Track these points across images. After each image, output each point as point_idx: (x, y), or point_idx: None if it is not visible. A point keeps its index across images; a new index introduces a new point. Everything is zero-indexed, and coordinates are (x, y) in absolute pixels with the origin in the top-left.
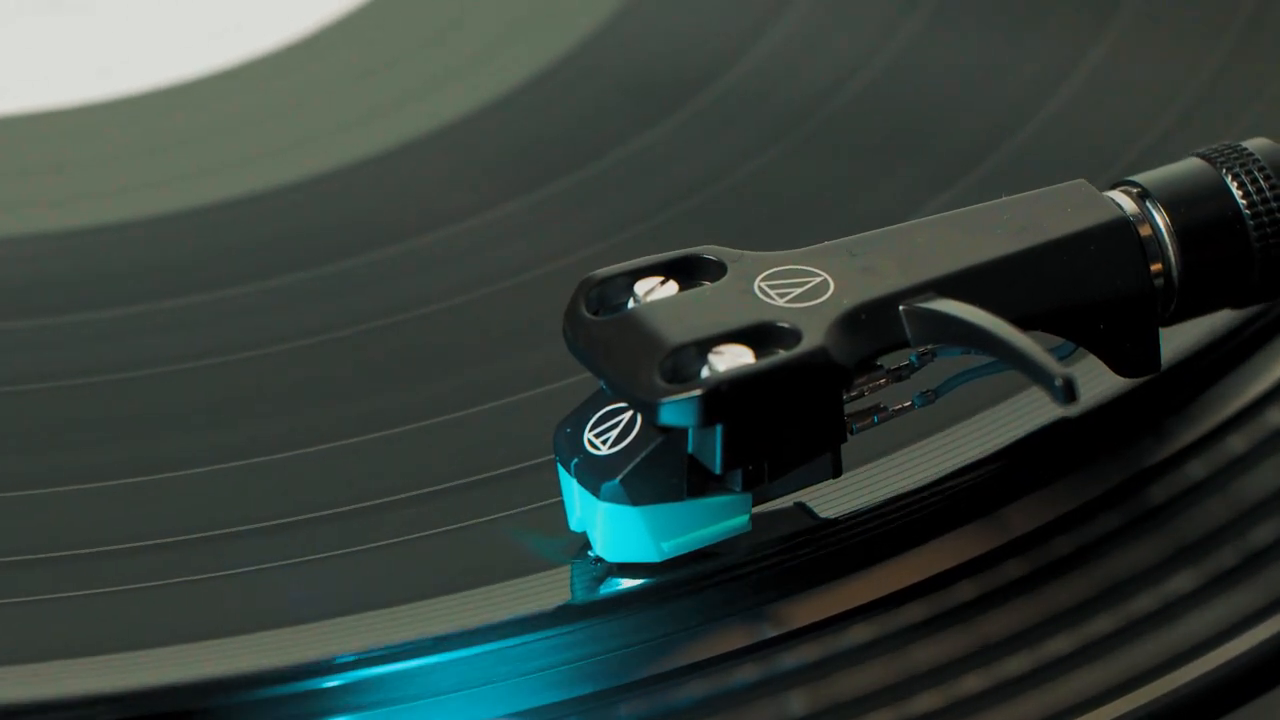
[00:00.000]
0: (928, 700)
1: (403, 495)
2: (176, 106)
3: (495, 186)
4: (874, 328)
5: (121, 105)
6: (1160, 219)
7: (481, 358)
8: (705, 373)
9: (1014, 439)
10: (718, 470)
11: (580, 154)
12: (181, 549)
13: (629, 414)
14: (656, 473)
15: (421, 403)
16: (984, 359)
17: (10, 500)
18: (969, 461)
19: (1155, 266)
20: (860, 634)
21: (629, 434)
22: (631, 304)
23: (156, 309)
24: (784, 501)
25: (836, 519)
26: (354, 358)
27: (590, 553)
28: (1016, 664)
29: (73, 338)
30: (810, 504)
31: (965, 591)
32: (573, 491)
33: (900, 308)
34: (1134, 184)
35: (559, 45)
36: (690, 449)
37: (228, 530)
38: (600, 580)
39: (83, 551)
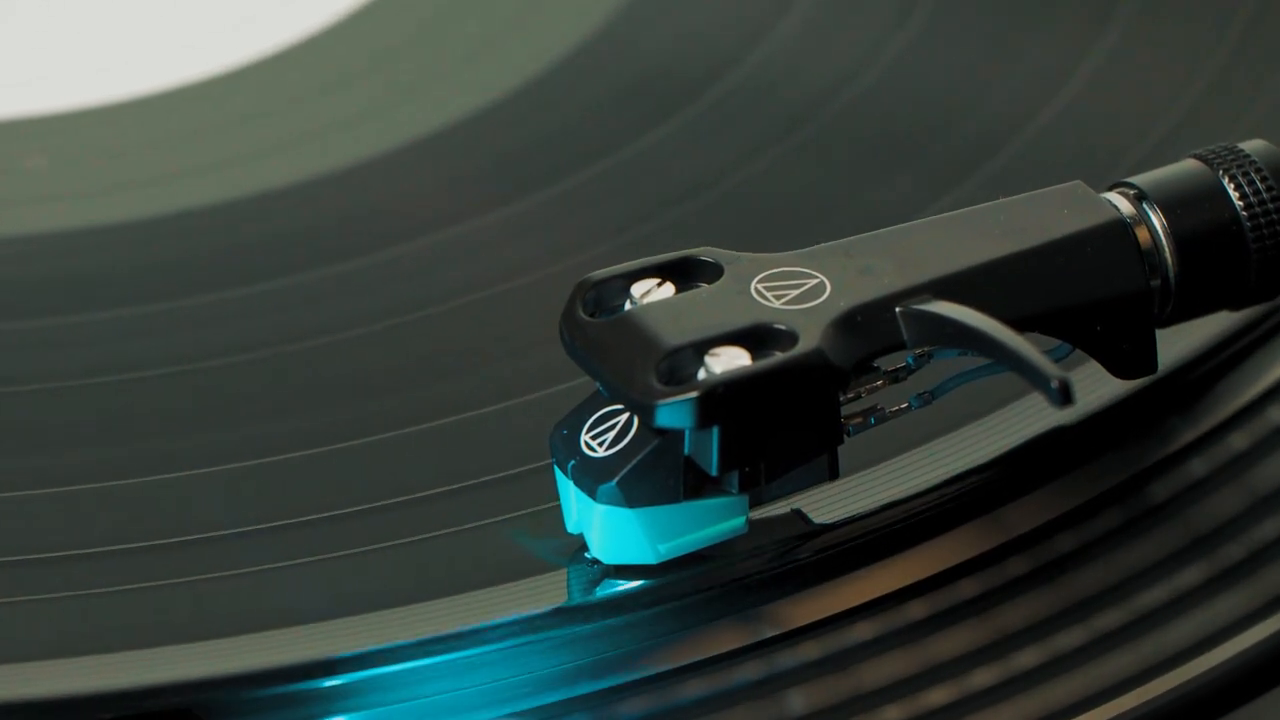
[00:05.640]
0: (930, 698)
1: (400, 498)
2: (173, 109)
3: (494, 189)
4: (870, 329)
5: (117, 108)
6: (1157, 221)
7: (479, 361)
8: (702, 374)
9: (1016, 440)
10: (714, 472)
11: (579, 156)
12: (181, 549)
13: (626, 416)
14: (653, 475)
15: (419, 405)
16: (981, 361)
17: (10, 500)
18: (969, 467)
19: (1151, 268)
20: (861, 633)
21: (626, 436)
22: (628, 306)
23: (154, 311)
24: (781, 505)
25: (835, 523)
26: (353, 361)
27: (587, 554)
28: (1015, 662)
29: (72, 339)
30: (809, 507)
31: (967, 589)
32: (569, 493)
33: (897, 309)
34: (1131, 185)
35: (558, 47)
36: (687, 451)
37: (227, 531)
38: (597, 582)
39: (81, 552)
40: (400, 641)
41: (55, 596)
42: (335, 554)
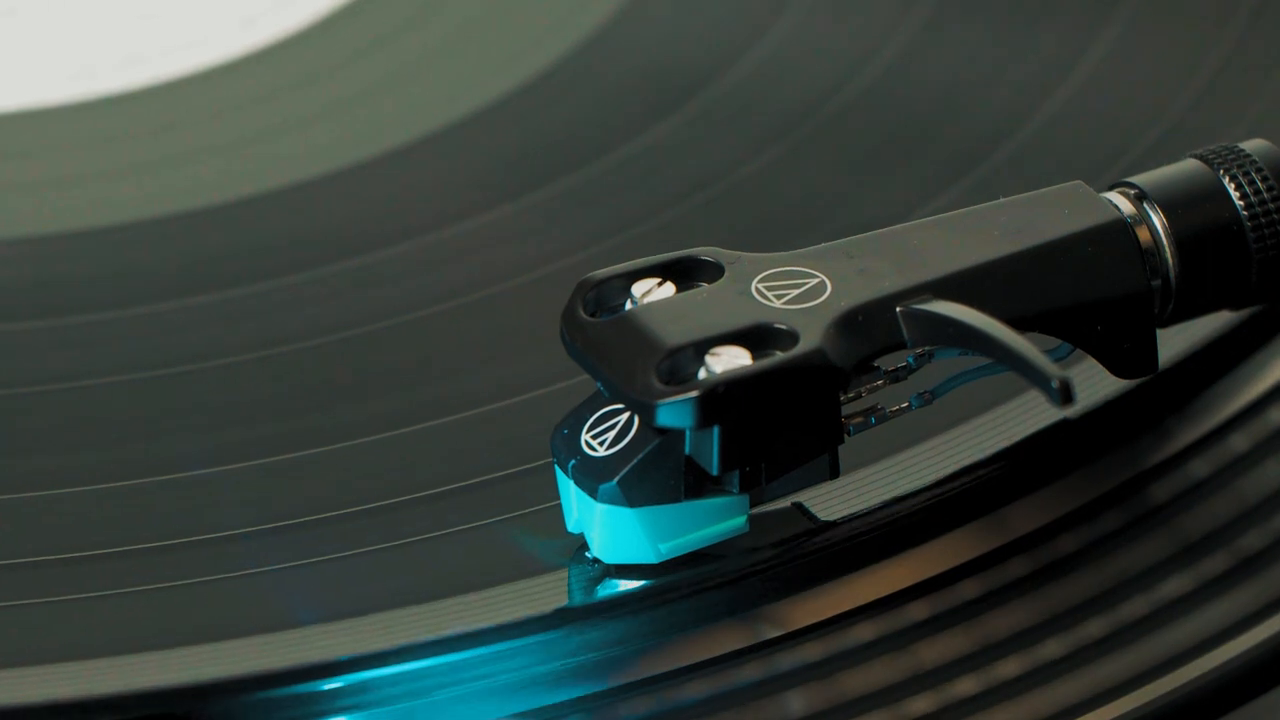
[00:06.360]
0: (930, 699)
1: (401, 498)
2: (167, 107)
3: (493, 189)
4: (871, 329)
5: (104, 106)
6: (1158, 220)
7: (479, 360)
8: (702, 374)
9: (1016, 438)
10: (715, 471)
11: (579, 156)
12: (180, 551)
13: (626, 415)
14: (654, 474)
15: (420, 405)
16: (981, 360)
17: (10, 502)
18: (970, 463)
19: (1152, 268)
20: (863, 633)
21: (626, 435)
22: (629, 305)
23: (153, 312)
24: (782, 503)
25: (838, 520)
26: (353, 360)
27: (588, 554)
28: (1017, 663)
29: (71, 340)
30: (812, 505)
31: (968, 590)
32: (570, 493)
33: (897, 309)
34: (1131, 185)
35: (557, 47)
36: (687, 450)
37: (226, 533)
38: (598, 582)
39: (78, 555)
40: (400, 643)
41: (50, 600)
42: (333, 555)
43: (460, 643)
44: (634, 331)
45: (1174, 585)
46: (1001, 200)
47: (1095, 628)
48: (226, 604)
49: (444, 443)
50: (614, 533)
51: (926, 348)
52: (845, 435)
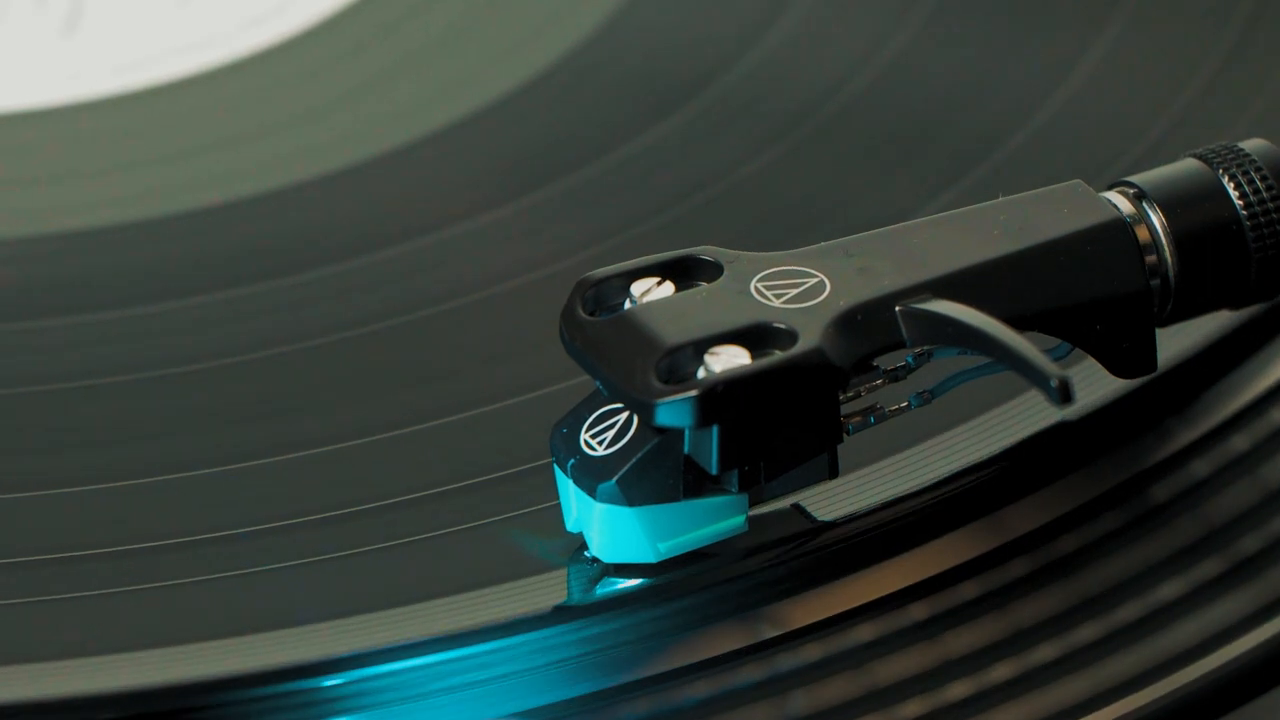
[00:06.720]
0: (929, 700)
1: (399, 498)
2: (173, 108)
3: (493, 189)
4: (870, 328)
5: (112, 106)
6: (1157, 220)
7: (479, 360)
8: (701, 373)
9: (1016, 438)
10: (714, 471)
11: (578, 156)
12: (179, 550)
13: (625, 414)
14: (653, 473)
15: (419, 405)
16: (981, 359)
17: (9, 501)
18: (971, 463)
19: (1151, 267)
20: (862, 633)
21: (625, 434)
22: (628, 305)
23: (153, 312)
24: (781, 503)
25: (837, 520)
26: (353, 361)
27: (587, 553)
28: (1017, 663)
29: (71, 340)
30: (811, 505)
31: (968, 591)
32: (569, 492)
33: (896, 308)
34: (1131, 185)
35: (557, 47)
36: (686, 449)
37: (226, 532)
38: (596, 581)
39: (76, 554)
40: (399, 641)
41: (48, 599)
42: (333, 555)
43: (459, 641)
44: (633, 330)
45: (1174, 586)
46: (1001, 199)
47: (1095, 628)
48: (226, 603)
49: (443, 443)
50: (613, 532)
51: (925, 347)
52: (844, 434)
